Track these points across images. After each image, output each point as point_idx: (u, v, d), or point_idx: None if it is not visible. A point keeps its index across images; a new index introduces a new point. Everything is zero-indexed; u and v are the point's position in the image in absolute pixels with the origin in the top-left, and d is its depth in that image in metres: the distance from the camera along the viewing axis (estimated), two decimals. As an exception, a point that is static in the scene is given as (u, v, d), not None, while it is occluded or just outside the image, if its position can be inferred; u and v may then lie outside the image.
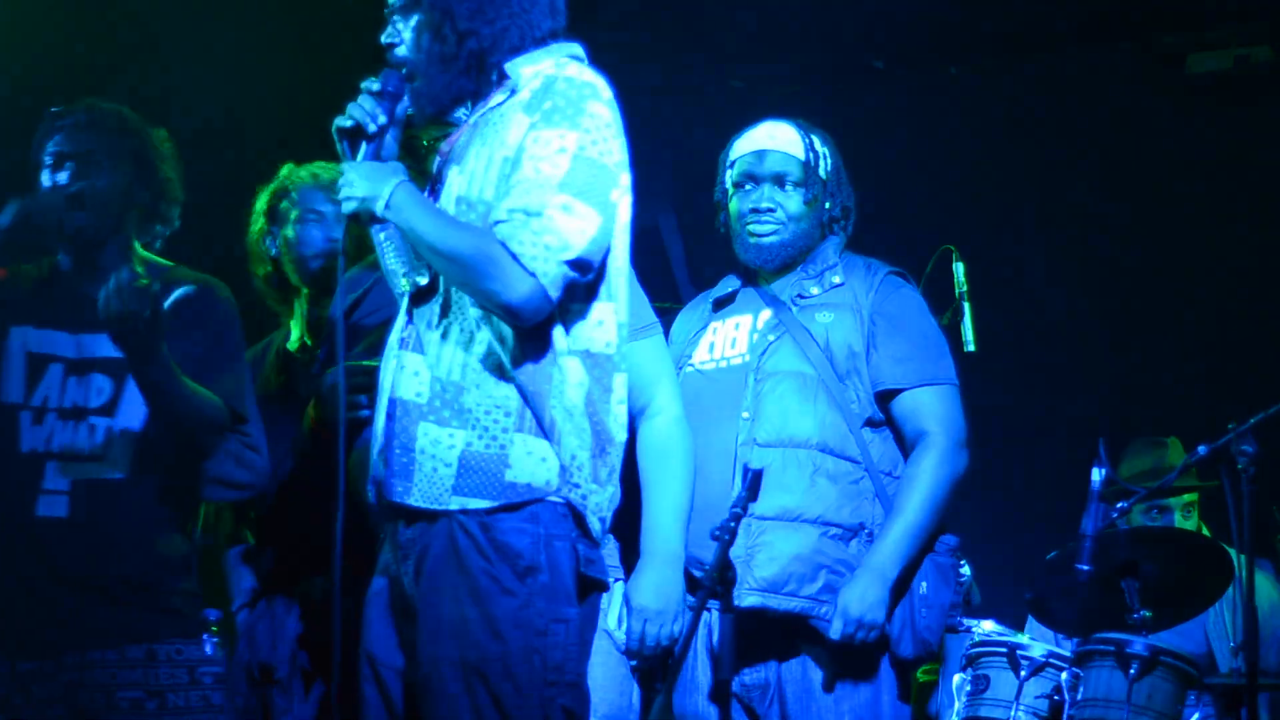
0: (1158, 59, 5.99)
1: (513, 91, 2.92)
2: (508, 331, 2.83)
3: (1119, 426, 5.21)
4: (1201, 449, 3.64)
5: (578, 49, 3.00)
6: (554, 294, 2.78)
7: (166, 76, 5.30)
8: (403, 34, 2.96)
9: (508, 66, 2.94)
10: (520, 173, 2.80)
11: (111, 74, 5.00)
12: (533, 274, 2.74)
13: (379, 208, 2.85)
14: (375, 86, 2.93)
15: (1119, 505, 3.88)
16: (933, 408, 3.78)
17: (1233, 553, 3.78)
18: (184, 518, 3.54)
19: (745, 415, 3.77)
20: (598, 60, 3.04)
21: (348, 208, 2.90)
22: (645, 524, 3.52)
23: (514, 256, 2.74)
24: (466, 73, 2.95)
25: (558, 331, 2.85)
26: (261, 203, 4.22)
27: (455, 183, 2.92)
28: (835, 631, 3.63)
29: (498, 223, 2.78)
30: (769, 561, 3.69)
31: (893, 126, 6.18)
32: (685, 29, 6.04)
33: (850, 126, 4.29)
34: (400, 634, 2.91)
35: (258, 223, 4.21)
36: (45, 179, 3.48)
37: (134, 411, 3.46)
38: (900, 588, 3.69)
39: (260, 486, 3.90)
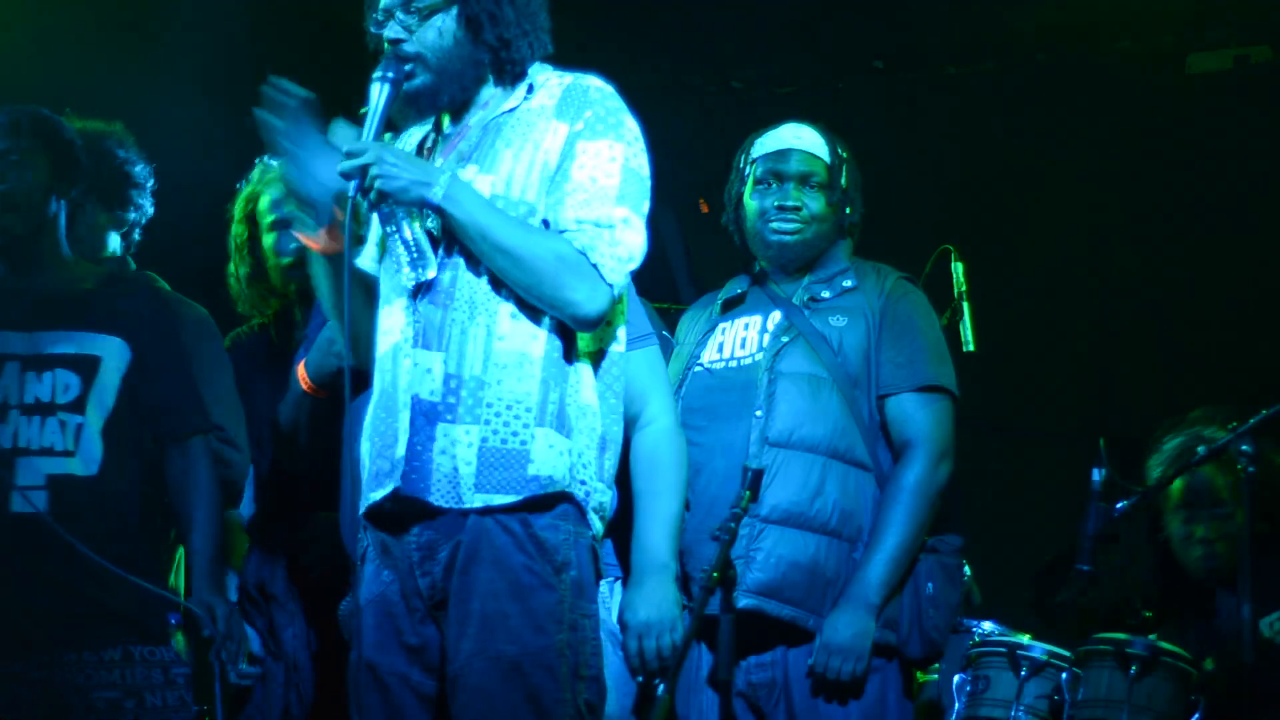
0: (1158, 59, 5.99)
1: (525, 97, 2.96)
2: (538, 329, 2.86)
3: (1119, 427, 5.21)
4: (1201, 450, 3.63)
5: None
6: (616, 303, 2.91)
7: (148, 76, 5.30)
8: (415, 31, 2.94)
9: (530, 72, 3.00)
10: (573, 181, 2.87)
11: (80, 77, 4.99)
12: (610, 285, 2.84)
13: (435, 195, 2.82)
14: (388, 74, 2.90)
15: (1118, 505, 3.88)
16: (918, 416, 3.75)
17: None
18: (158, 516, 3.54)
19: (758, 413, 3.74)
20: (599, 60, 3.06)
21: (385, 186, 2.80)
22: (635, 537, 3.49)
23: (594, 267, 2.83)
24: (488, 76, 2.99)
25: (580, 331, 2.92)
26: (239, 206, 4.20)
27: (478, 183, 2.91)
28: (817, 664, 3.64)
29: (566, 231, 2.85)
30: (766, 565, 3.68)
31: (893, 126, 6.18)
32: (685, 29, 6.04)
33: (850, 126, 4.29)
34: (401, 637, 2.91)
35: (237, 226, 4.19)
36: None
37: (103, 408, 3.45)
38: (906, 588, 3.69)
39: (240, 484, 3.90)
